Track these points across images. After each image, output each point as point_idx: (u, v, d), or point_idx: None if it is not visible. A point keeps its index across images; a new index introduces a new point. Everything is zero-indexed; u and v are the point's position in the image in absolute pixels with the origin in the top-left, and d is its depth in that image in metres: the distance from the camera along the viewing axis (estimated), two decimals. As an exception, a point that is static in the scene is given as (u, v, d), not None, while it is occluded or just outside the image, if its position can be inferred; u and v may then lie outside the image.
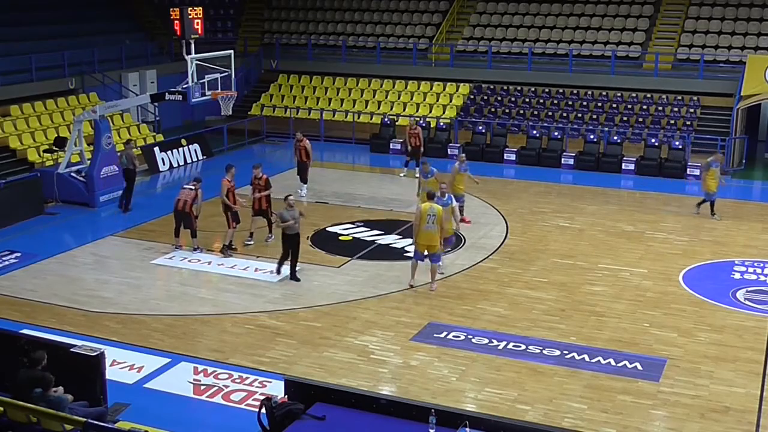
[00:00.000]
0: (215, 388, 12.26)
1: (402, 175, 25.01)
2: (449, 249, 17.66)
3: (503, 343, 13.74)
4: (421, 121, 28.75)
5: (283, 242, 16.52)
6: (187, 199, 17.88)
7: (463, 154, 21.49)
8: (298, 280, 16.44)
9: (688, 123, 27.62)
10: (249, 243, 18.49)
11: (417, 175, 22.81)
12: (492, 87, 30.56)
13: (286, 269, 16.49)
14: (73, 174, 21.87)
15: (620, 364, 13.03)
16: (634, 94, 29.00)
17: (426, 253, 16.03)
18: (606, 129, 27.56)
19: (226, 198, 17.81)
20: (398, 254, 18.14)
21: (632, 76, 29.12)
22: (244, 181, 19.32)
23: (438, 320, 14.69)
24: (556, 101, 29.51)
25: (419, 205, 16.41)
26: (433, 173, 19.27)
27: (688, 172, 25.19)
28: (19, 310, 15.05)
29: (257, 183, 18.40)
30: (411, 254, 17.19)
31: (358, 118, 30.50)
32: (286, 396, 9.58)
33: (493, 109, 29.76)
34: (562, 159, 26.44)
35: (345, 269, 17.22)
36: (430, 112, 30.25)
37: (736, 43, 29.15)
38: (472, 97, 30.51)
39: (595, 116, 28.49)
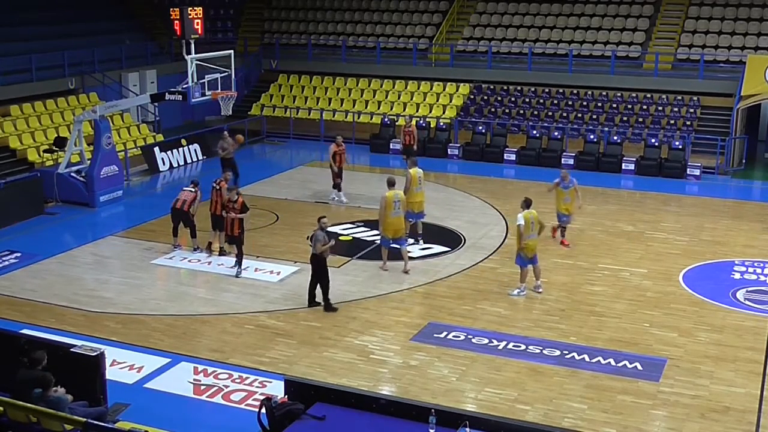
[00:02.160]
0: (215, 388, 12.26)
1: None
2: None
3: (503, 343, 13.74)
4: (421, 121, 28.75)
5: (320, 268, 14.95)
6: (186, 199, 17.89)
7: (565, 170, 19.47)
8: (335, 309, 15.09)
9: (688, 123, 27.61)
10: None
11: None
12: (492, 87, 30.55)
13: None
14: (73, 174, 21.86)
15: (620, 364, 13.03)
16: (634, 94, 28.99)
17: (392, 237, 16.74)
18: (606, 129, 27.55)
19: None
20: (398, 254, 18.12)
21: (632, 76, 29.10)
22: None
23: (438, 320, 14.69)
24: (556, 101, 29.50)
25: (384, 194, 16.84)
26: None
27: (688, 172, 25.19)
28: (19, 310, 15.05)
29: (231, 206, 16.62)
30: (412, 254, 17.43)
31: (358, 118, 30.48)
32: (286, 396, 9.58)
33: (493, 109, 29.75)
34: (563, 159, 26.41)
35: (345, 269, 17.21)
36: (430, 112, 30.24)
37: (736, 43, 29.14)
38: (472, 97, 30.50)
39: (595, 116, 28.48)
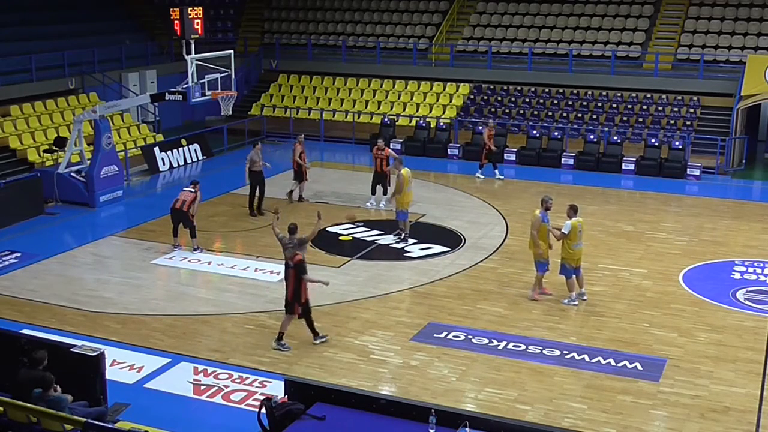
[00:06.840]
0: (215, 388, 12.26)
1: (493, 177, 24.79)
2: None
3: (503, 343, 13.74)
4: (421, 121, 28.77)
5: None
6: (185, 199, 17.89)
7: None
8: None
9: (688, 123, 27.61)
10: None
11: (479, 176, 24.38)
12: (492, 87, 30.55)
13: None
14: (73, 174, 21.86)
15: (620, 364, 13.03)
16: (634, 94, 28.99)
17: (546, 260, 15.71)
18: (606, 129, 27.55)
19: (299, 159, 21.37)
20: (398, 254, 18.14)
21: (632, 76, 29.10)
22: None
23: (438, 320, 14.68)
24: (556, 101, 29.50)
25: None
26: None
27: (688, 172, 25.19)
28: (19, 310, 15.05)
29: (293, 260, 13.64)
30: (412, 254, 17.48)
31: (358, 118, 30.48)
32: (286, 396, 9.58)
33: (493, 109, 29.75)
34: (562, 159, 26.42)
35: (345, 269, 17.21)
36: (430, 112, 30.24)
37: (736, 43, 29.14)
38: (472, 97, 30.50)
39: (595, 116, 28.48)
